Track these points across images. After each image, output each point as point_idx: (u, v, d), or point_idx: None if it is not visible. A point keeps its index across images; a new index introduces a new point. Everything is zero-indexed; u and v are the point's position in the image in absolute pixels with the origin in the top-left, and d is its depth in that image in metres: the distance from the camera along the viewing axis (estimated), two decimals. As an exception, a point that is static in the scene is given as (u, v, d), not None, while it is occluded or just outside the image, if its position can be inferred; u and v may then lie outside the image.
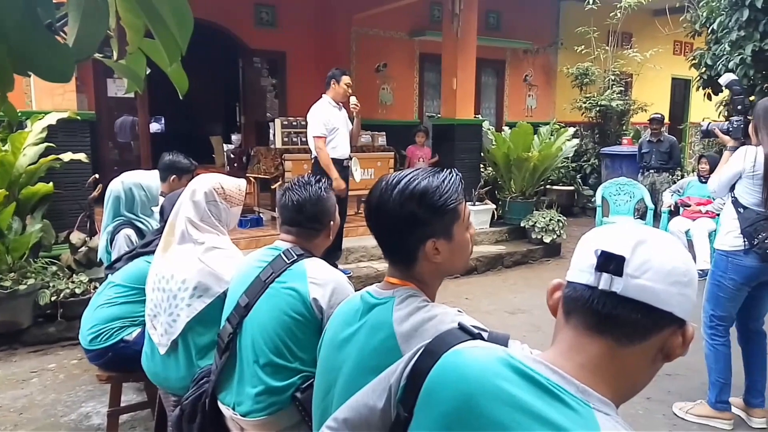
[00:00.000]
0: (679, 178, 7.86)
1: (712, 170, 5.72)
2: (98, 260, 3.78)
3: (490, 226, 6.88)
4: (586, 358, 0.79)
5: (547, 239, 6.52)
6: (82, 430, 2.96)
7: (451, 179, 1.20)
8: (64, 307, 3.99)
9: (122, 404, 2.77)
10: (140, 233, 2.90)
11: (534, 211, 6.82)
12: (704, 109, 8.75)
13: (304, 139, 5.90)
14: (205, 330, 2.00)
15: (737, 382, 3.11)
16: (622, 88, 9.84)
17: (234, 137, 8.43)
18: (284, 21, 8.47)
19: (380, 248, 1.27)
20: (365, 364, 1.16)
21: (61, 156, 4.51)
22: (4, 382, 3.48)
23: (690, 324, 0.81)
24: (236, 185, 2.17)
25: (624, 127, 9.72)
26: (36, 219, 4.31)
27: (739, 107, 3.33)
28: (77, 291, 4.01)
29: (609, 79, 9.60)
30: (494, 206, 7.02)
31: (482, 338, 0.95)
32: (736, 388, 3.11)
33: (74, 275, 4.18)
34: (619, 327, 0.78)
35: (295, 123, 6.43)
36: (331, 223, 1.88)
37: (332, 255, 4.71)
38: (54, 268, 4.18)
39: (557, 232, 6.55)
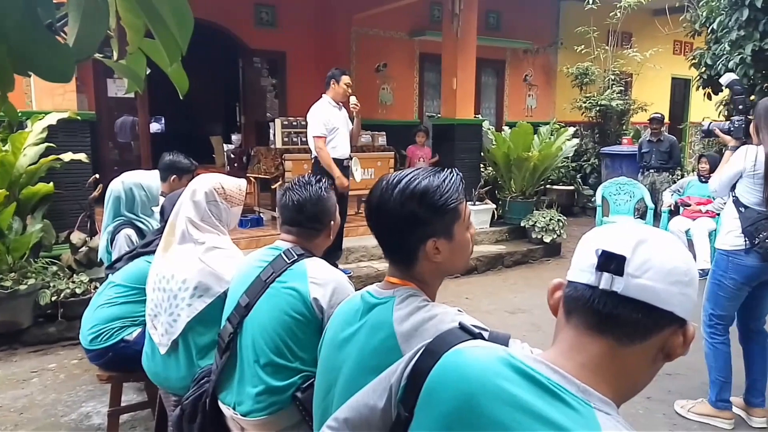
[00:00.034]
0: (679, 177, 7.86)
1: (712, 170, 5.73)
2: (99, 260, 3.78)
3: (490, 226, 6.88)
4: (587, 358, 0.79)
5: (547, 239, 6.53)
6: (82, 430, 2.96)
7: (451, 179, 1.20)
8: (65, 307, 3.99)
9: (123, 404, 2.77)
10: (140, 233, 2.90)
11: (534, 211, 6.82)
12: (704, 109, 8.75)
13: (304, 139, 5.90)
14: (205, 330, 2.00)
15: (738, 381, 3.11)
16: (622, 88, 9.85)
17: (234, 137, 8.44)
18: (284, 21, 8.47)
19: (381, 248, 1.27)
20: (365, 364, 1.16)
21: (61, 156, 4.51)
22: (4, 382, 3.48)
23: (691, 323, 0.81)
24: (237, 185, 2.17)
25: (624, 127, 9.72)
26: (36, 219, 4.31)
27: (740, 107, 3.34)
28: (78, 291, 4.01)
29: (609, 79, 9.60)
30: (494, 206, 7.02)
31: (483, 338, 0.95)
32: (737, 387, 3.12)
33: (75, 275, 4.18)
34: (620, 326, 0.78)
35: (295, 123, 6.43)
36: (332, 222, 1.88)
37: (332, 255, 4.71)
38: (54, 268, 4.18)
39: (557, 232, 6.55)
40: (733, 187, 2.97)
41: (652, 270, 0.76)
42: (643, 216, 7.00)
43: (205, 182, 2.12)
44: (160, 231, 2.32)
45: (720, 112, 7.34)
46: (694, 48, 7.84)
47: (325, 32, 8.65)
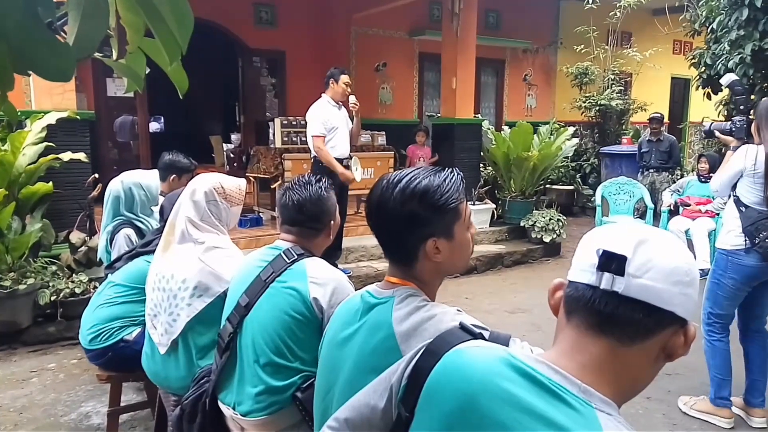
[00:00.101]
0: (678, 177, 7.86)
1: (711, 170, 5.74)
2: (98, 260, 3.78)
3: (490, 226, 6.88)
4: (588, 358, 0.79)
5: (547, 239, 6.53)
6: (82, 430, 2.96)
7: (452, 178, 1.19)
8: (64, 307, 3.99)
9: (122, 404, 2.77)
10: (140, 233, 2.90)
11: (534, 211, 6.82)
12: (704, 109, 8.76)
13: (303, 139, 5.90)
14: (205, 329, 2.00)
15: (738, 381, 3.12)
16: (622, 88, 9.85)
17: (233, 137, 8.44)
18: (284, 20, 8.46)
19: (381, 247, 1.27)
20: (365, 364, 1.16)
21: (60, 155, 4.51)
22: (3, 382, 3.47)
23: (692, 324, 0.81)
24: (236, 185, 2.17)
25: (624, 127, 9.72)
26: (36, 218, 4.31)
27: (741, 107, 3.35)
28: (77, 291, 4.01)
29: (608, 79, 9.60)
30: (494, 206, 7.02)
31: (483, 338, 0.95)
32: (737, 387, 3.12)
33: (74, 275, 4.18)
34: (621, 327, 0.78)
35: (294, 122, 6.43)
36: (332, 222, 1.88)
37: (332, 254, 4.71)
38: (54, 267, 4.18)
39: (557, 232, 6.55)
40: (734, 187, 2.98)
41: (653, 270, 0.76)
42: (642, 216, 7.00)
43: (205, 182, 2.12)
44: (160, 231, 2.32)
45: (720, 112, 7.34)
46: (693, 48, 7.84)
47: (325, 32, 8.65)
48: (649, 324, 0.77)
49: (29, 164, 4.37)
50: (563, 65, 10.18)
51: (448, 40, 7.06)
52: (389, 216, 1.19)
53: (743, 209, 2.91)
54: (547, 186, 8.86)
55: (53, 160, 4.48)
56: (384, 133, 6.95)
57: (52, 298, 3.93)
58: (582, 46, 9.54)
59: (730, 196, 3.06)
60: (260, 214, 6.44)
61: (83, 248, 4.38)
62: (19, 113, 3.91)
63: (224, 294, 1.91)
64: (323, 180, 1.88)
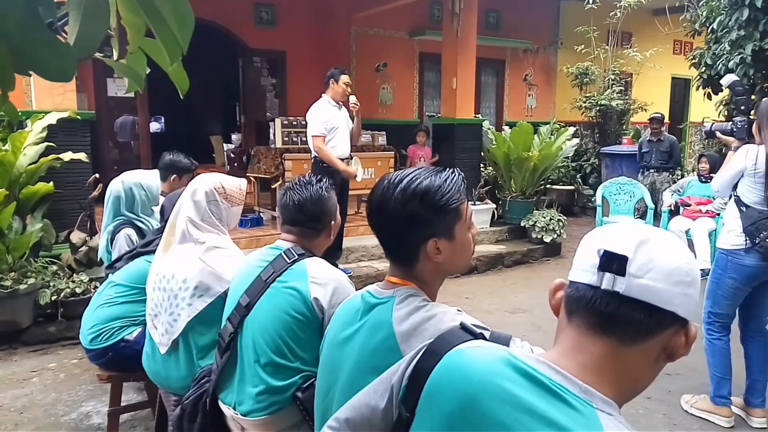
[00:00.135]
0: (679, 177, 7.86)
1: (712, 170, 5.74)
2: (98, 260, 3.78)
3: (491, 226, 6.88)
4: (589, 358, 0.79)
5: (548, 239, 6.53)
6: (82, 430, 2.96)
7: (453, 179, 1.19)
8: (65, 307, 3.99)
9: (123, 404, 2.77)
10: (141, 233, 2.90)
11: (534, 211, 6.82)
12: (704, 109, 8.76)
13: (304, 139, 5.89)
14: (205, 329, 2.00)
15: (738, 381, 3.12)
16: (622, 88, 9.85)
17: (234, 137, 8.45)
18: (284, 20, 8.46)
19: (382, 247, 1.27)
20: (365, 364, 1.16)
21: (61, 155, 4.51)
22: (4, 382, 3.48)
23: (693, 324, 0.80)
24: (237, 185, 2.17)
25: (624, 127, 9.72)
26: (36, 218, 4.31)
27: (742, 107, 3.35)
28: (77, 290, 4.01)
29: (609, 79, 9.60)
30: (494, 206, 7.02)
31: (484, 338, 0.95)
32: (737, 387, 3.12)
33: (74, 275, 4.18)
34: (622, 327, 0.78)
35: (295, 122, 6.43)
36: (332, 222, 1.88)
37: (333, 254, 4.71)
38: (54, 267, 4.18)
39: (557, 232, 6.55)
40: (735, 187, 2.99)
41: (654, 270, 0.76)
42: (643, 216, 7.00)
43: (206, 182, 2.12)
44: (160, 230, 2.32)
45: (720, 112, 7.34)
46: (694, 48, 7.84)
47: (325, 32, 8.65)
48: (650, 324, 0.77)
49: (30, 164, 4.37)
50: (563, 65, 10.18)
51: (448, 40, 7.06)
52: (390, 216, 1.19)
53: (744, 209, 2.92)
54: (548, 186, 8.86)
55: (54, 160, 4.48)
56: (384, 133, 6.95)
57: (53, 298, 3.94)
58: (582, 46, 9.54)
59: (730, 197, 3.07)
60: (261, 214, 6.44)
61: (84, 248, 4.38)
62: (19, 113, 3.91)
63: (225, 294, 1.91)
64: (324, 180, 1.88)
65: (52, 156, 4.47)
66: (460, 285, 5.45)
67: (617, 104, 9.37)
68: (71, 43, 0.84)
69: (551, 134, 7.39)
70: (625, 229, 0.81)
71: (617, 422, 0.74)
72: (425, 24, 9.17)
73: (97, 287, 3.22)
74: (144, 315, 2.18)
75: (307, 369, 1.66)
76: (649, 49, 9.45)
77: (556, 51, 10.76)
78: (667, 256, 0.77)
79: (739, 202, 2.95)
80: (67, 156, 4.51)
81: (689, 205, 6.06)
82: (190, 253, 2.03)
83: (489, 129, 7.58)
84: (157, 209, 2.85)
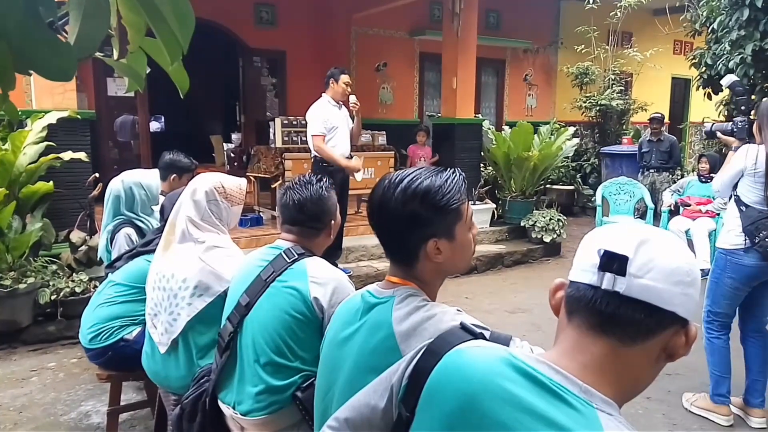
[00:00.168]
0: (679, 177, 7.86)
1: (712, 170, 5.74)
2: (98, 259, 3.78)
3: (490, 226, 6.88)
4: (589, 358, 0.79)
5: (547, 238, 6.53)
6: (81, 429, 2.96)
7: (454, 179, 1.19)
8: (64, 306, 3.99)
9: (122, 403, 2.77)
10: (140, 232, 2.90)
11: (534, 211, 6.82)
12: (704, 109, 8.76)
13: (304, 138, 5.89)
14: (205, 329, 2.00)
15: (738, 381, 3.12)
16: (622, 88, 9.85)
17: (234, 136, 8.45)
18: (284, 20, 8.46)
19: (382, 247, 1.27)
20: (365, 364, 1.16)
21: (61, 155, 4.51)
22: (3, 381, 3.48)
23: (693, 324, 0.80)
24: (237, 184, 2.17)
25: (624, 127, 9.72)
26: (36, 218, 4.31)
27: (742, 107, 3.35)
28: (77, 290, 4.01)
29: (609, 79, 9.60)
30: (494, 206, 7.02)
31: (484, 338, 0.95)
32: (737, 387, 3.13)
33: (74, 274, 4.18)
34: (622, 327, 0.78)
35: (295, 122, 6.43)
36: (332, 222, 1.88)
37: (332, 254, 4.71)
38: (54, 266, 4.18)
39: (557, 232, 6.55)
40: (735, 186, 2.99)
41: (654, 270, 0.76)
42: (643, 216, 7.00)
43: (206, 181, 2.12)
44: (160, 230, 2.32)
45: (720, 112, 7.34)
46: (694, 48, 7.84)
47: (325, 31, 8.65)
48: (651, 324, 0.77)
49: (30, 163, 4.37)
50: (564, 65, 10.18)
51: (448, 40, 7.06)
52: (391, 216, 1.19)
53: (744, 208, 2.92)
54: (548, 186, 8.86)
55: (54, 160, 4.48)
56: (384, 132, 6.94)
57: (53, 297, 3.94)
58: (582, 46, 9.54)
59: (731, 197, 3.07)
60: (261, 213, 6.44)
61: (83, 247, 4.38)
62: (19, 113, 3.91)
63: (225, 293, 1.91)
64: (324, 180, 1.88)
65: (52, 155, 4.47)
66: (460, 285, 5.45)
67: (617, 104, 9.37)
68: (72, 42, 0.84)
69: (551, 134, 7.40)
70: (625, 229, 0.81)
71: (617, 422, 0.74)
72: (425, 24, 9.17)
73: (97, 286, 3.22)
74: (143, 314, 2.18)
75: (306, 369, 1.66)
76: (649, 49, 9.45)
77: (556, 51, 10.76)
78: (667, 256, 0.77)
79: (738, 202, 2.96)
80: (67, 155, 4.51)
81: (689, 205, 6.06)
82: (189, 252, 2.03)
83: (489, 129, 7.57)
84: (156, 209, 2.85)
